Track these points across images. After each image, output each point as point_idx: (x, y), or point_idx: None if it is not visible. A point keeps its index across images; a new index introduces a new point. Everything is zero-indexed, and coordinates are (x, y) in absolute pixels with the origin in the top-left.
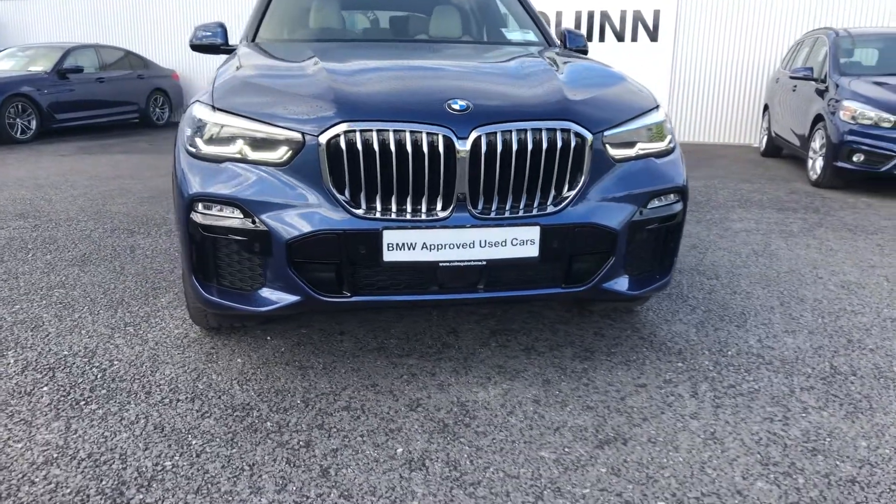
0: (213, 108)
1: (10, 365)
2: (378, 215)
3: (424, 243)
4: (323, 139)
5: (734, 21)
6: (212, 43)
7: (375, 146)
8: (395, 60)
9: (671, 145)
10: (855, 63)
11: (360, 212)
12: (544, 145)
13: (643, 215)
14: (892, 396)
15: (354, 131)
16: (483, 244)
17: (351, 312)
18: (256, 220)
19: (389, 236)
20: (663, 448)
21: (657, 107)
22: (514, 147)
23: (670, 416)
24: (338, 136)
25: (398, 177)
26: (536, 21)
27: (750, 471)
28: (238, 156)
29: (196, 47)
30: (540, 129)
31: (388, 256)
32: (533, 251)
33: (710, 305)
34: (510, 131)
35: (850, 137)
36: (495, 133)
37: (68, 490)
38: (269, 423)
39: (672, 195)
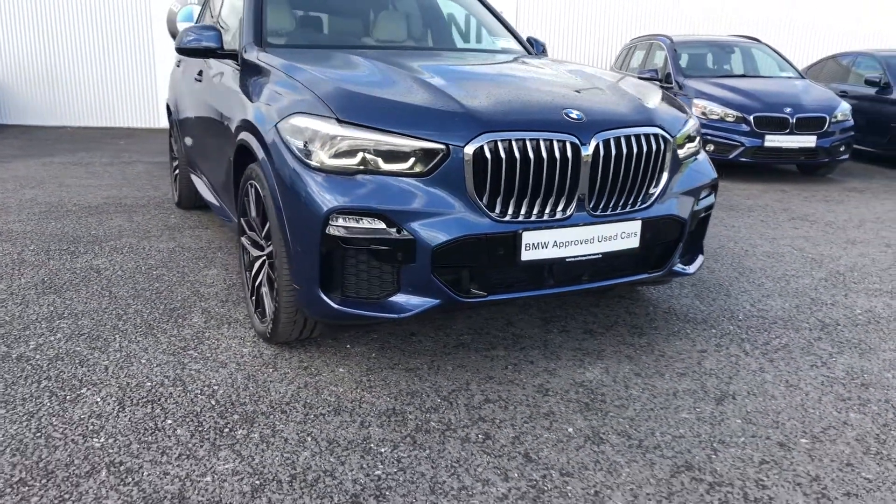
0: (339, 120)
1: (101, 403)
2: (513, 218)
3: (555, 241)
4: (469, 150)
5: (567, 23)
6: (206, 47)
7: (516, 154)
8: (469, 68)
9: (699, 145)
10: (688, 66)
11: (497, 216)
12: (644, 148)
13: (698, 206)
14: (875, 337)
15: (496, 141)
16: (600, 239)
17: (475, 310)
18: (403, 229)
19: (527, 237)
20: (763, 398)
21: (691, 113)
22: (625, 150)
23: (746, 373)
24: (482, 146)
25: (534, 181)
26: (512, 31)
27: (837, 405)
28: (370, 167)
29: (185, 51)
30: (640, 135)
31: (525, 256)
32: (635, 242)
33: (691, 280)
34: (620, 137)
35: (703, 131)
36: (609, 139)
37: None
38: (433, 423)
39: (711, 188)
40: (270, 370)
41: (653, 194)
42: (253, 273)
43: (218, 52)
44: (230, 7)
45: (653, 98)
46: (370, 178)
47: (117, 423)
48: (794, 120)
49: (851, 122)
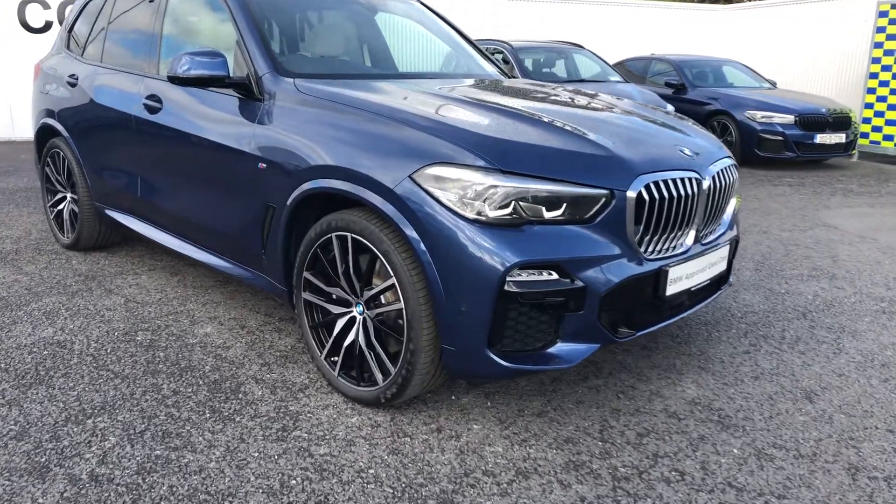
0: (501, 171)
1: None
2: (657, 255)
3: (686, 274)
4: (631, 193)
5: None
6: (213, 76)
7: (665, 193)
8: (556, 107)
9: None
10: (531, 70)
11: (646, 255)
12: (730, 178)
13: (737, 222)
14: (846, 319)
15: (648, 183)
16: (709, 266)
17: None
18: (575, 278)
19: (672, 273)
20: (836, 391)
21: None
22: (723, 181)
23: (800, 370)
24: (640, 189)
25: (673, 218)
26: (487, 56)
27: (886, 386)
28: (528, 216)
29: (183, 80)
30: (727, 166)
31: (669, 290)
32: (724, 265)
33: None
34: (720, 169)
35: None
36: (715, 172)
37: None
38: (623, 470)
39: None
40: (407, 439)
41: (727, 221)
42: (335, 332)
43: (227, 82)
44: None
45: (705, 129)
46: (538, 228)
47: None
48: None
49: None
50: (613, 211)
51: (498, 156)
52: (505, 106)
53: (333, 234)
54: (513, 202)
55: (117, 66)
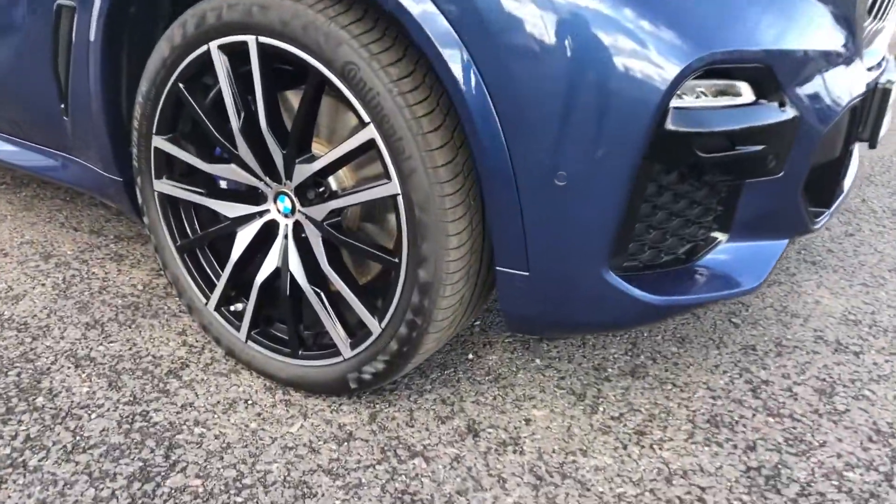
0: None
1: None
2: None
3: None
4: None
5: None
6: None
7: None
8: None
9: None
10: None
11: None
12: None
13: None
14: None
15: None
16: None
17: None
18: (786, 99)
19: (894, 93)
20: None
21: None
22: None
23: (858, 290)
24: None
25: None
26: None
27: None
28: None
29: None
30: None
31: (883, 128)
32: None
33: None
34: None
35: None
36: None
37: None
38: (858, 480)
39: None
40: (420, 463)
41: None
42: (234, 258)
43: None
44: None
45: None
46: None
47: None
48: None
49: None
50: None
51: None
52: None
53: (213, 45)
54: None
55: None
